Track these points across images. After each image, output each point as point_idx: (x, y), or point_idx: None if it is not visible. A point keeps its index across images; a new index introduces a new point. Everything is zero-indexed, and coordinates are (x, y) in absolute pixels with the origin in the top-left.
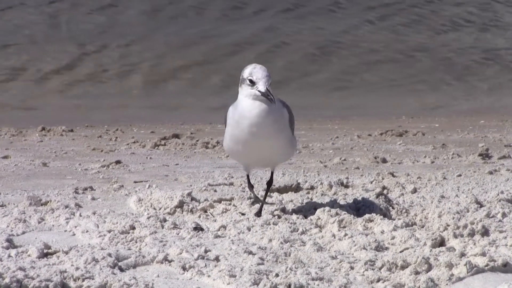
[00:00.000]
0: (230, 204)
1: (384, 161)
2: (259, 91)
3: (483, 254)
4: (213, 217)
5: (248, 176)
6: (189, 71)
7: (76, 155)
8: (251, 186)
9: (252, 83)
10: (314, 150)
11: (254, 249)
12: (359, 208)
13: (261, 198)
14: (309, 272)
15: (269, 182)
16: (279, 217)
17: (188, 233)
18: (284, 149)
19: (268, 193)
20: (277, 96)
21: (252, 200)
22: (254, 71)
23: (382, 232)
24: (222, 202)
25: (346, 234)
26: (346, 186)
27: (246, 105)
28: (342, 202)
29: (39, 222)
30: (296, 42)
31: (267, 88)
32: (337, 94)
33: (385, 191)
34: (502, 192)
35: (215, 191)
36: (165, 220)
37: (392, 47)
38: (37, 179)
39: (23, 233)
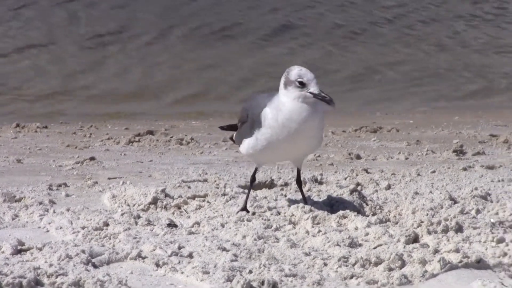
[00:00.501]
0: (204, 201)
1: (358, 157)
2: (311, 92)
3: (457, 251)
4: (187, 213)
5: (256, 170)
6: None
7: (50, 152)
8: (253, 180)
9: (302, 85)
10: None
11: (228, 245)
12: (333, 204)
13: (248, 198)
14: (282, 269)
15: (299, 182)
16: (253, 213)
17: (161, 230)
18: (316, 146)
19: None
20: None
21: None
22: (303, 73)
23: (356, 228)
24: (196, 198)
25: (319, 231)
26: (320, 183)
27: (295, 108)
28: (316, 199)
29: (13, 219)
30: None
31: (320, 89)
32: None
33: (359, 188)
34: (476, 189)
35: (189, 187)
36: (139, 217)
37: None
38: (11, 176)
39: None
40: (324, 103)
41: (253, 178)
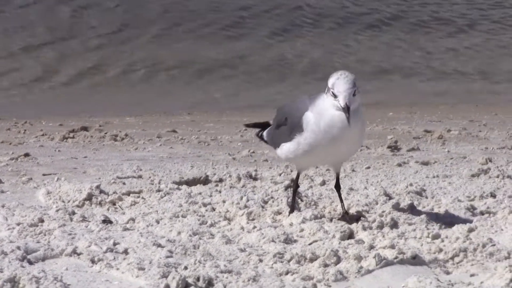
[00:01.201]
0: (138, 197)
1: None
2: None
3: (392, 247)
4: (122, 210)
5: (298, 175)
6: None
7: None
8: (297, 186)
9: (334, 95)
10: (222, 142)
11: (163, 241)
12: (268, 200)
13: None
14: (218, 265)
15: (338, 186)
16: (187, 209)
17: (96, 226)
18: (355, 152)
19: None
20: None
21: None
22: (337, 83)
23: (291, 224)
24: (131, 195)
25: (254, 227)
26: (255, 179)
27: (334, 116)
28: (250, 195)
29: None
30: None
31: (346, 104)
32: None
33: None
34: (411, 184)
35: (124, 183)
36: (73, 213)
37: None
38: None
39: None
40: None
41: (295, 185)
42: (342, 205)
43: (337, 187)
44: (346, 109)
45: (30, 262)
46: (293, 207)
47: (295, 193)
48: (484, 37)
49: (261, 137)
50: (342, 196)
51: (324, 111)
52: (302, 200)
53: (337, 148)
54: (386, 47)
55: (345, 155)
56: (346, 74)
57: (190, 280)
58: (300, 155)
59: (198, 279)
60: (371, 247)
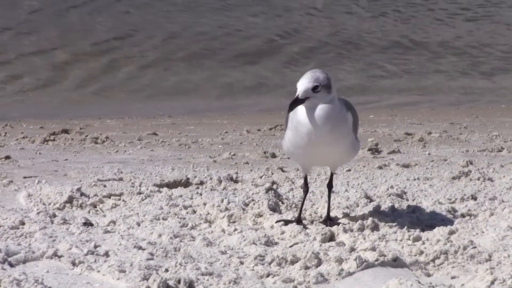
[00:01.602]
0: (119, 200)
1: (274, 156)
2: None
3: (373, 249)
4: (103, 212)
5: (306, 177)
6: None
7: None
8: (306, 189)
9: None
10: (203, 145)
11: (144, 244)
12: (248, 203)
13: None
14: (198, 267)
15: (329, 185)
16: (168, 212)
17: (77, 229)
18: (345, 154)
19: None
20: (342, 98)
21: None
22: (299, 80)
23: (272, 227)
24: (112, 197)
25: (235, 229)
26: (236, 181)
27: (303, 112)
28: (231, 197)
29: None
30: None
31: (298, 95)
32: None
33: (274, 186)
34: (391, 187)
35: (105, 186)
36: (54, 216)
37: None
38: None
39: None
40: (344, 107)
41: (304, 185)
42: (328, 208)
43: (329, 186)
44: (295, 99)
45: (11, 265)
46: (300, 210)
47: (305, 197)
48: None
49: None
50: (323, 198)
51: (298, 109)
52: (283, 203)
53: (313, 148)
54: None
55: (328, 156)
56: (312, 71)
57: (171, 283)
58: (289, 151)
59: (179, 282)
60: (352, 250)
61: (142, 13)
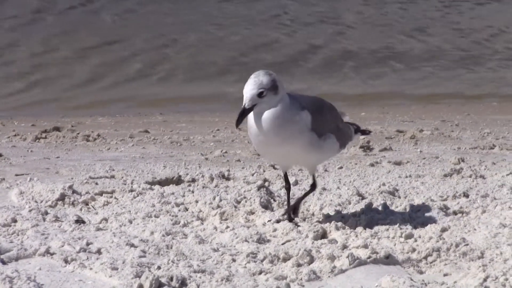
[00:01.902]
0: (111, 197)
1: None
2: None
3: (365, 246)
4: (95, 210)
5: (285, 174)
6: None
7: None
8: (287, 186)
9: None
10: (195, 142)
11: (136, 241)
12: (240, 200)
13: (294, 201)
14: (191, 265)
15: (312, 185)
16: (160, 209)
17: (70, 226)
18: (305, 154)
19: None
20: (305, 96)
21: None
22: (246, 84)
23: (264, 224)
24: (104, 195)
25: (227, 227)
26: (228, 179)
27: (252, 115)
28: (223, 195)
29: None
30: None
31: (244, 105)
32: None
33: (266, 184)
34: (383, 184)
35: (97, 184)
36: (46, 213)
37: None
38: None
39: None
40: (297, 107)
41: (286, 184)
42: (299, 200)
43: (312, 185)
44: (242, 111)
45: (3, 262)
46: (288, 209)
47: (288, 194)
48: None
49: None
50: (315, 196)
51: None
52: (275, 200)
53: (267, 149)
54: None
55: (288, 157)
56: (255, 75)
57: (163, 280)
58: (258, 153)
59: (171, 279)
60: (344, 247)
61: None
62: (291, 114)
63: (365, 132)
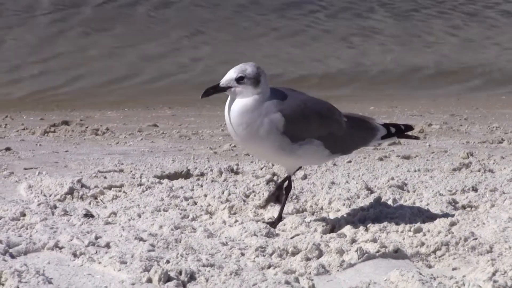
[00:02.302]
0: (120, 191)
1: None
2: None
3: (374, 241)
4: (104, 203)
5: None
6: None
7: None
8: (278, 183)
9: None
10: (204, 136)
11: (145, 235)
12: (249, 194)
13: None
14: (200, 259)
15: (286, 188)
16: (169, 203)
17: (78, 220)
18: (277, 156)
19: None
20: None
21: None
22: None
23: (273, 218)
24: (112, 188)
25: (236, 221)
26: (236, 173)
27: (228, 103)
28: (232, 189)
29: None
30: None
31: (219, 83)
32: None
33: (275, 178)
34: (392, 178)
35: (105, 177)
36: (55, 207)
37: None
38: None
39: None
40: (274, 106)
41: (282, 182)
42: (281, 210)
43: (285, 188)
44: (214, 86)
45: (12, 256)
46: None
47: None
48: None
49: None
50: (324, 190)
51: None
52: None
53: (237, 140)
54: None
55: (256, 152)
56: (244, 63)
57: (172, 274)
58: None
59: (180, 273)
60: (353, 241)
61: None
62: (259, 113)
63: (409, 137)
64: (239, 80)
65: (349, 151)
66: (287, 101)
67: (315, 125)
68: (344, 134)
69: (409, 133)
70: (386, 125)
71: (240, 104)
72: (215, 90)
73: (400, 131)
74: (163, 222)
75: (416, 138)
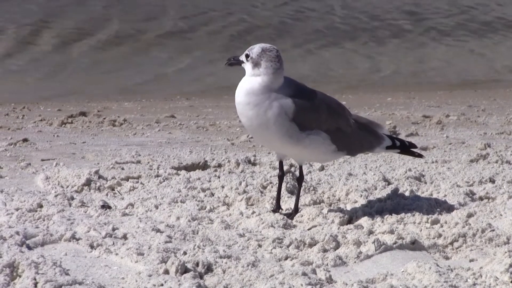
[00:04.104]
0: (137, 182)
1: None
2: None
3: (391, 232)
4: (121, 195)
5: (280, 162)
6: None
7: None
8: (279, 175)
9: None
10: (221, 127)
11: (162, 227)
12: (267, 186)
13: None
14: (217, 250)
15: (298, 178)
16: (186, 195)
17: (95, 211)
18: (283, 143)
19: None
20: (312, 90)
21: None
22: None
23: (290, 209)
24: (130, 180)
25: (253, 212)
26: (254, 164)
27: (240, 82)
28: (249, 180)
29: None
30: None
31: (238, 56)
32: None
33: (292, 169)
34: (409, 170)
35: (123, 169)
36: (72, 198)
37: None
38: None
39: None
40: (284, 92)
41: (279, 172)
42: (296, 201)
43: (297, 179)
44: (234, 57)
45: (29, 247)
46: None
47: (279, 183)
48: None
49: None
50: (341, 181)
51: None
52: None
53: (250, 130)
54: None
55: (265, 141)
56: (261, 43)
57: (189, 265)
58: None
59: (197, 264)
60: (370, 232)
61: None
62: (268, 96)
63: (413, 153)
64: (246, 57)
65: (355, 152)
66: (299, 90)
67: (324, 116)
68: (351, 133)
69: (415, 150)
70: (391, 137)
71: (246, 82)
72: (235, 61)
73: (404, 146)
74: (180, 213)
75: (420, 156)
